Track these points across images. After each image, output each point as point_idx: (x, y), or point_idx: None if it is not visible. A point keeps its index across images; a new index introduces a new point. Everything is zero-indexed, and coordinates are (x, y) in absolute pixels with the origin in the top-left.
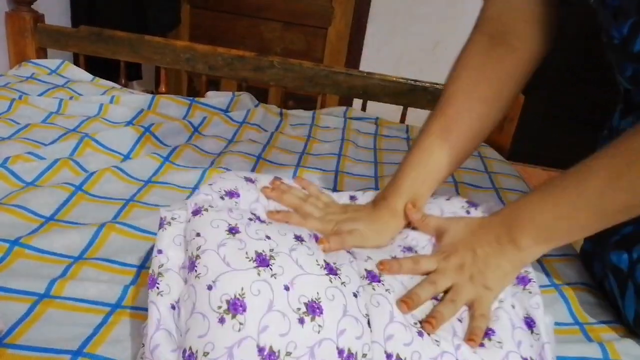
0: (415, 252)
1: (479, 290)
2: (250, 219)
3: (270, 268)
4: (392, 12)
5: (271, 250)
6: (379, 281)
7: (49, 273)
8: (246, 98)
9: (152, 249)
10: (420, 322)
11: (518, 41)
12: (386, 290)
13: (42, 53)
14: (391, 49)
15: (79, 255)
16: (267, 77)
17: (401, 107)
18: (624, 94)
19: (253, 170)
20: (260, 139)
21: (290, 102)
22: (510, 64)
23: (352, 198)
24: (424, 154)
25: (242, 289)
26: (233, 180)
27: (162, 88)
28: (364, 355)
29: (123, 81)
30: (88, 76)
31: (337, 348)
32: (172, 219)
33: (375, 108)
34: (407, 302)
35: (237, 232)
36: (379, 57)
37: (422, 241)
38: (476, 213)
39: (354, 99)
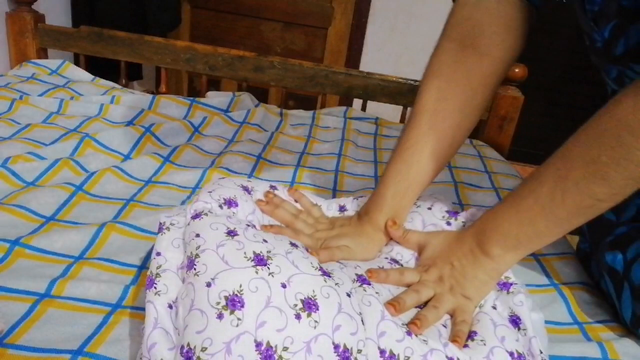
0: (401, 265)
1: (459, 299)
2: (248, 225)
3: (268, 267)
4: (392, 12)
5: (268, 252)
6: (370, 284)
7: (49, 273)
8: (246, 98)
9: (152, 249)
10: (407, 325)
11: (489, 45)
12: (376, 292)
13: (42, 53)
14: (391, 49)
15: (80, 255)
16: (267, 77)
17: (401, 107)
18: (611, 95)
19: (253, 170)
20: (261, 139)
21: (291, 102)
22: (482, 70)
23: (342, 209)
24: (402, 166)
25: (241, 286)
26: (232, 189)
27: (163, 88)
28: (359, 351)
29: (123, 81)
30: (88, 76)
31: (333, 343)
32: (171, 224)
33: (375, 108)
34: (394, 305)
35: (236, 234)
36: (379, 57)
37: (406, 255)
38: (456, 223)
39: (354, 99)
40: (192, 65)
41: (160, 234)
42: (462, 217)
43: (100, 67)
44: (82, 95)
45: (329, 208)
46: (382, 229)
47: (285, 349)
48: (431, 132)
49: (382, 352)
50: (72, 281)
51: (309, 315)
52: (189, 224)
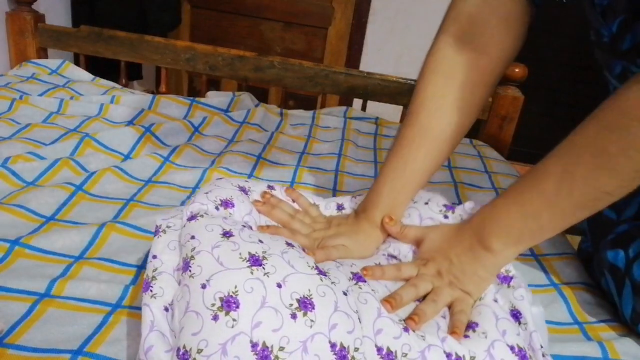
0: (399, 260)
1: (457, 293)
2: (244, 226)
3: (263, 267)
4: (392, 12)
5: (264, 252)
6: (365, 282)
7: (49, 273)
8: (246, 98)
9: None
10: (405, 320)
11: (488, 43)
12: (372, 289)
13: (42, 53)
14: (391, 48)
15: (80, 255)
16: (268, 77)
17: (401, 107)
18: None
19: (253, 170)
20: (261, 139)
21: (291, 102)
22: (480, 67)
23: (340, 207)
24: (399, 164)
25: (236, 287)
26: (228, 190)
27: (163, 88)
28: (356, 349)
29: (123, 81)
30: (88, 76)
31: (330, 342)
32: (167, 227)
33: (375, 108)
34: (390, 302)
35: (231, 235)
36: (379, 57)
37: (404, 250)
38: (454, 216)
39: (354, 99)
40: (192, 65)
41: (157, 236)
42: (459, 210)
43: (100, 67)
44: (82, 95)
45: (327, 207)
46: (379, 225)
47: (281, 348)
48: (428, 130)
49: (379, 349)
50: (72, 281)
51: (305, 314)
52: (184, 226)
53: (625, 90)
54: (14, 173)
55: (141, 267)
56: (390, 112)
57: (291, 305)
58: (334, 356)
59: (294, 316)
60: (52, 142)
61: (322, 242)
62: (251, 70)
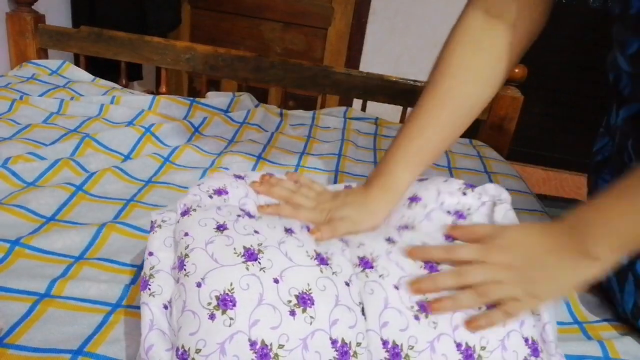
0: (413, 227)
1: (519, 293)
2: (239, 215)
3: (259, 262)
4: (392, 12)
5: (259, 244)
6: (372, 267)
7: (49, 273)
8: (246, 98)
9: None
10: (427, 303)
11: (516, 17)
12: (380, 275)
13: (42, 53)
14: (391, 48)
15: (80, 255)
16: (268, 77)
17: (401, 107)
18: (613, 89)
19: (253, 170)
20: (261, 139)
21: (291, 102)
22: (506, 40)
23: (348, 187)
24: (416, 128)
25: (231, 284)
26: (221, 179)
27: (163, 88)
28: (358, 344)
29: (124, 81)
30: (89, 76)
31: (331, 338)
32: (163, 221)
33: (375, 108)
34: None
35: (225, 228)
36: (379, 57)
37: (419, 216)
38: (472, 195)
39: (354, 99)
40: (192, 65)
41: (152, 232)
42: (479, 189)
43: (100, 68)
44: (82, 95)
45: (336, 188)
46: (393, 189)
47: (280, 346)
48: (450, 98)
49: (384, 342)
50: (72, 281)
51: (304, 310)
52: (178, 222)
53: None
54: (14, 173)
55: (141, 267)
56: (390, 112)
57: (290, 301)
58: (336, 352)
59: (292, 313)
60: (53, 143)
61: (329, 214)
62: (251, 70)
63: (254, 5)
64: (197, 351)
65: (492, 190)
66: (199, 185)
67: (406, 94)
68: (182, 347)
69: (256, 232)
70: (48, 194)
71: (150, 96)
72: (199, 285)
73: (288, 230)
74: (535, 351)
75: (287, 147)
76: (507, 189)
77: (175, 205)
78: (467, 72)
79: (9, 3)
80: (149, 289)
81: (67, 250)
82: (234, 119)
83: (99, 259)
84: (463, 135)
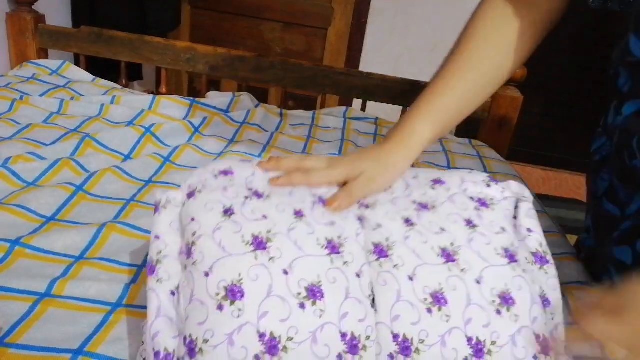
0: (434, 207)
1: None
2: (246, 197)
3: (268, 251)
4: (392, 12)
5: (268, 232)
6: (387, 256)
7: (49, 273)
8: (246, 98)
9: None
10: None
11: None
12: (394, 266)
13: (43, 54)
14: (391, 49)
15: (80, 255)
16: (268, 77)
17: (401, 107)
18: (613, 87)
19: None
20: (261, 139)
21: (291, 102)
22: (530, 19)
23: None
24: (439, 86)
25: (240, 275)
26: (227, 162)
27: (163, 88)
28: (368, 338)
29: (124, 81)
30: (89, 77)
31: (340, 332)
32: (168, 202)
33: (375, 108)
34: None
35: (232, 213)
36: (379, 57)
37: (441, 198)
38: (496, 188)
39: (354, 99)
40: (192, 65)
41: (157, 214)
42: (502, 184)
43: (101, 68)
44: (82, 95)
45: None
46: (411, 142)
47: (290, 339)
48: (475, 62)
49: (395, 336)
50: (72, 281)
51: (313, 303)
52: (184, 204)
53: None
54: (14, 173)
55: (141, 267)
56: (390, 112)
57: (299, 294)
58: (345, 346)
59: (302, 306)
60: (53, 143)
61: (344, 170)
62: (251, 70)
63: (254, 5)
64: (205, 341)
65: (515, 187)
66: (204, 167)
67: (406, 94)
68: (190, 336)
69: (264, 217)
70: (48, 193)
71: (151, 96)
72: (206, 274)
73: (298, 213)
74: (545, 349)
75: (287, 147)
76: None
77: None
78: (491, 40)
79: (9, 3)
80: (157, 275)
81: (67, 250)
82: (234, 119)
83: (99, 259)
84: (463, 135)
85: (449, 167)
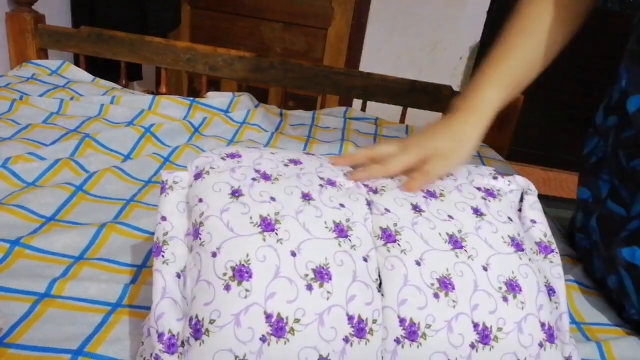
0: (442, 196)
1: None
2: (254, 179)
3: (276, 233)
4: (392, 12)
5: (276, 213)
6: (395, 241)
7: (49, 273)
8: (246, 98)
9: (152, 249)
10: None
11: None
12: (402, 251)
13: (42, 54)
14: (391, 49)
15: (80, 255)
16: (267, 77)
17: (401, 107)
18: (609, 91)
19: None
20: (261, 139)
21: (290, 102)
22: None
23: None
24: (503, 51)
25: (247, 255)
26: (234, 147)
27: (163, 88)
28: (374, 321)
29: (123, 81)
30: (88, 77)
31: (347, 314)
32: (174, 182)
33: (375, 108)
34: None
35: (241, 194)
36: (378, 57)
37: (449, 187)
38: (503, 181)
39: (354, 99)
40: (192, 65)
41: (164, 195)
42: (508, 177)
43: (100, 68)
44: (82, 95)
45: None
46: (481, 108)
47: (296, 320)
48: (537, 23)
49: (401, 320)
50: (72, 281)
51: (321, 285)
52: (191, 186)
53: None
54: (14, 173)
55: (141, 267)
56: (390, 112)
57: (306, 275)
58: (352, 329)
59: (309, 287)
60: (53, 143)
61: (422, 150)
62: (251, 70)
63: (254, 5)
64: (211, 322)
65: (521, 181)
66: (211, 150)
67: (406, 94)
68: (196, 316)
69: (272, 199)
70: (48, 194)
71: (150, 96)
72: (214, 255)
73: (306, 196)
74: (550, 337)
75: (287, 147)
76: None
77: (188, 168)
78: (554, 6)
79: (9, 3)
80: (162, 256)
81: (67, 250)
82: (233, 119)
83: (99, 259)
84: None
85: None
